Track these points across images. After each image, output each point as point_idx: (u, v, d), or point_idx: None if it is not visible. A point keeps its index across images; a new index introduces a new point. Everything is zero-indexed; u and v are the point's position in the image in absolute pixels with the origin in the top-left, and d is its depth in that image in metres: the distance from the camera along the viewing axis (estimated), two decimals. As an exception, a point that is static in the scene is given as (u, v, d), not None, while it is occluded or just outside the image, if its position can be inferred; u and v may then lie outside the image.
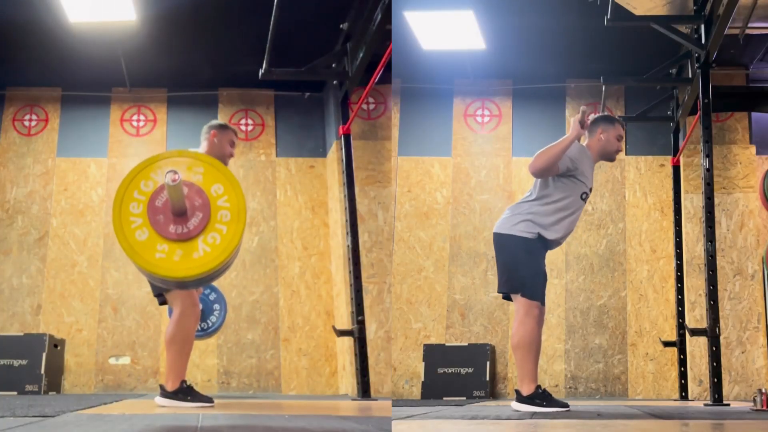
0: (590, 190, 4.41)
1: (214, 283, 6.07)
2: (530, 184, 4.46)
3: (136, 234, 2.91)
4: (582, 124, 4.22)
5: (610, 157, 4.52)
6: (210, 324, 5.84)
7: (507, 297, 4.44)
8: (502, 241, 4.35)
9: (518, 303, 4.29)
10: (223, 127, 4.72)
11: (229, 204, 2.99)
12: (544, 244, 4.32)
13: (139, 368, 7.48)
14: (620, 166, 7.64)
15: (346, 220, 6.29)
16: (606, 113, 4.62)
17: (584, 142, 4.47)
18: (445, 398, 6.82)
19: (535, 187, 4.36)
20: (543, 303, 4.29)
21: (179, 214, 2.89)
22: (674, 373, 7.13)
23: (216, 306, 5.87)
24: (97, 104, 7.98)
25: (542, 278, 4.32)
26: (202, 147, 4.67)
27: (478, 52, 7.38)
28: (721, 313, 6.33)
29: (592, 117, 4.45)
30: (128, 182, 2.97)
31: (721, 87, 6.78)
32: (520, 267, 4.30)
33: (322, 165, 7.91)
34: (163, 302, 4.35)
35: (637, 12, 5.78)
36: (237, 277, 7.60)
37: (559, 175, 4.28)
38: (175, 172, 2.84)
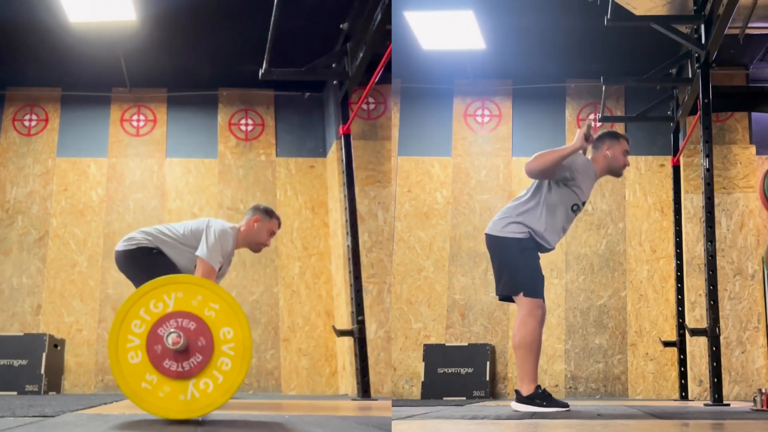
0: (583, 203, 4.41)
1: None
2: (529, 183, 4.46)
3: (129, 355, 2.78)
4: (587, 137, 4.21)
5: (617, 172, 4.52)
6: None
7: (505, 299, 4.44)
8: (494, 243, 4.36)
9: (520, 303, 4.29)
10: (268, 215, 4.75)
11: (233, 352, 2.82)
12: (536, 244, 4.33)
13: (139, 368, 7.47)
14: (620, 166, 7.63)
15: (346, 220, 6.29)
16: (611, 129, 4.61)
17: (588, 155, 4.47)
18: (445, 398, 6.81)
19: (530, 189, 4.38)
20: (543, 300, 4.29)
21: (180, 351, 2.80)
22: (674, 373, 7.13)
23: None
24: (97, 104, 7.99)
25: (540, 275, 4.33)
26: (241, 225, 4.72)
27: (478, 52, 7.38)
28: (721, 313, 6.33)
29: (600, 131, 4.47)
30: (139, 296, 2.81)
31: (721, 87, 6.78)
32: (517, 267, 4.30)
33: (322, 165, 7.91)
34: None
35: (637, 12, 5.78)
36: (237, 277, 7.60)
37: (554, 181, 4.28)
38: (179, 336, 2.75)
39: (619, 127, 7.72)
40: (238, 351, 2.82)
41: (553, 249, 4.43)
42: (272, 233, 4.78)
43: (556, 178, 4.26)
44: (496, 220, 4.39)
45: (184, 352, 2.77)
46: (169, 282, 2.88)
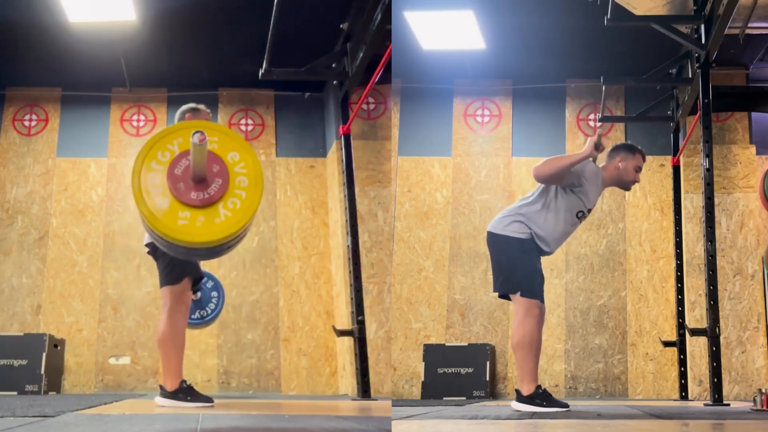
0: (589, 211, 4.41)
1: (211, 272, 6.11)
2: (530, 183, 4.48)
3: (157, 202, 2.96)
4: (597, 146, 4.21)
5: (625, 186, 4.50)
6: (208, 312, 5.85)
7: (504, 297, 4.44)
8: (495, 241, 4.36)
9: (517, 303, 4.29)
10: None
11: (246, 170, 3.08)
12: (537, 245, 4.33)
13: (139, 368, 7.48)
14: (620, 166, 7.64)
15: (346, 220, 6.28)
16: (629, 143, 4.57)
17: (601, 162, 4.46)
18: (445, 398, 6.81)
19: (536, 191, 4.38)
20: (542, 301, 4.29)
21: (200, 180, 2.97)
22: (674, 373, 7.13)
23: (214, 294, 5.88)
24: (97, 104, 7.98)
25: (539, 276, 4.32)
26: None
27: (478, 52, 7.38)
28: (721, 313, 6.34)
29: (614, 141, 4.44)
30: (145, 153, 3.04)
31: (721, 87, 6.78)
32: (516, 267, 4.30)
33: (322, 165, 7.91)
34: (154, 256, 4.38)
35: (637, 12, 5.78)
36: (237, 277, 7.61)
37: (562, 186, 4.29)
38: (202, 133, 2.89)
39: (619, 127, 7.74)
40: (249, 167, 3.07)
41: (551, 253, 4.43)
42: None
43: (564, 183, 4.27)
44: (499, 218, 4.40)
45: (204, 181, 2.99)
46: (166, 133, 3.09)
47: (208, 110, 4.81)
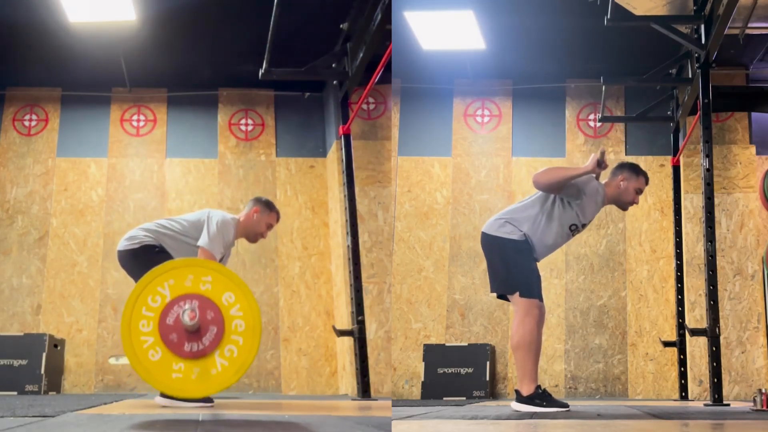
0: (583, 226, 4.42)
1: None
2: (530, 183, 4.48)
3: (149, 354, 2.84)
4: (599, 163, 4.21)
5: (623, 205, 4.52)
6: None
7: (502, 297, 4.45)
8: (489, 242, 4.38)
9: (517, 303, 4.29)
10: (268, 208, 4.84)
11: (242, 312, 2.92)
12: (530, 246, 4.33)
13: (139, 368, 7.47)
14: (620, 166, 7.64)
15: (346, 220, 6.29)
16: (635, 163, 4.57)
17: (604, 179, 4.47)
18: (445, 398, 6.82)
19: (534, 196, 4.40)
20: (541, 300, 4.30)
21: (193, 331, 2.84)
22: (674, 373, 7.13)
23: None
24: (97, 104, 7.99)
25: (536, 276, 4.33)
26: (241, 215, 4.79)
27: (478, 52, 7.38)
28: (721, 313, 6.34)
29: (618, 159, 4.46)
30: (135, 298, 2.88)
31: (721, 87, 6.78)
32: (512, 267, 4.31)
33: (322, 165, 7.91)
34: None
35: (637, 12, 5.78)
36: (237, 277, 7.60)
37: (560, 196, 4.30)
38: (194, 311, 2.79)
39: (619, 127, 7.74)
40: (245, 309, 2.93)
41: (538, 261, 4.43)
42: (270, 226, 4.87)
43: (563, 194, 4.29)
44: (493, 219, 4.42)
45: (198, 330, 2.81)
46: (157, 275, 2.94)
47: (278, 213, 4.86)
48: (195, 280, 2.92)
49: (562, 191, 4.28)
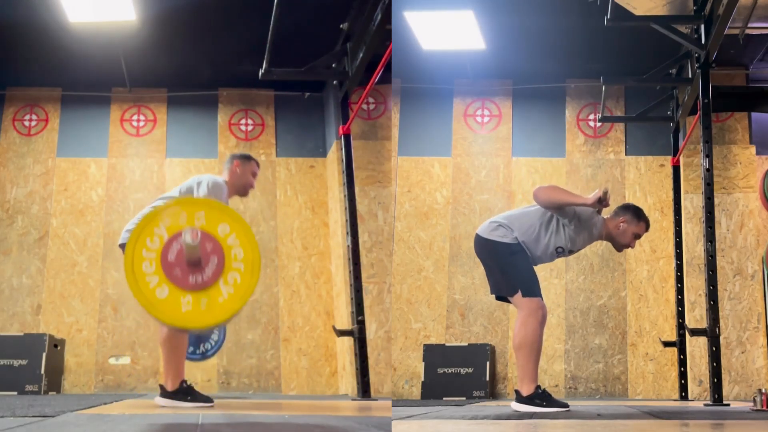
0: (570, 252, 4.43)
1: None
2: (530, 183, 4.50)
3: (157, 293, 2.90)
4: (601, 200, 4.22)
5: (617, 246, 4.52)
6: (209, 347, 5.87)
7: (501, 298, 4.45)
8: (482, 244, 4.40)
9: (519, 304, 4.29)
10: (246, 158, 4.84)
11: (239, 241, 2.99)
12: (524, 249, 4.34)
13: (139, 368, 7.48)
14: (620, 166, 7.64)
15: (346, 220, 6.29)
16: (639, 208, 4.55)
17: (606, 214, 4.48)
18: (445, 398, 6.81)
19: (534, 206, 4.41)
20: (542, 299, 4.30)
21: (195, 264, 2.89)
22: (674, 373, 7.13)
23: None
24: (97, 104, 7.98)
25: (534, 275, 4.34)
26: (224, 175, 4.78)
27: (478, 52, 7.38)
28: (721, 313, 6.34)
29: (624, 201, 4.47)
30: (134, 241, 2.95)
31: (721, 87, 6.78)
32: (509, 269, 4.32)
33: (322, 165, 7.91)
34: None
35: (637, 12, 5.78)
36: (237, 277, 7.59)
37: (556, 215, 4.31)
38: (194, 230, 2.84)
39: (619, 127, 7.74)
40: (242, 238, 3.01)
41: (535, 266, 4.44)
42: (255, 174, 4.85)
43: (559, 215, 4.31)
44: (488, 222, 4.44)
45: (199, 263, 2.93)
46: (152, 218, 3.03)
47: (257, 161, 4.84)
48: (189, 217, 3.04)
49: (558, 212, 4.31)
